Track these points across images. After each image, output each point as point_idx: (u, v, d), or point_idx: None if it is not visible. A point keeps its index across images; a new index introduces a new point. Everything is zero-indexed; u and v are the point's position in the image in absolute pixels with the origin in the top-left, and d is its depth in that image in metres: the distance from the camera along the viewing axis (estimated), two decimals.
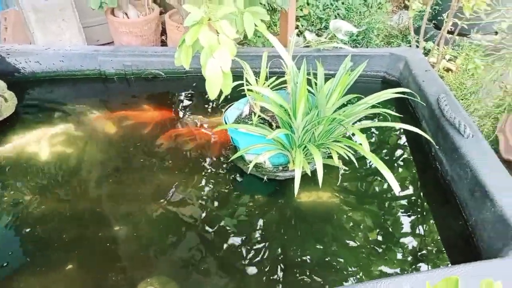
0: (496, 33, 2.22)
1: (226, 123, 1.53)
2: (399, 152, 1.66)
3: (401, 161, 1.61)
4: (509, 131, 1.60)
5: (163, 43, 2.72)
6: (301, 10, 3.05)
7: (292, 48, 1.62)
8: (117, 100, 2.00)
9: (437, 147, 1.40)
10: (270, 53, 1.92)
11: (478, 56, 1.78)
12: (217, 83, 1.25)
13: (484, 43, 1.85)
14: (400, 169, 1.57)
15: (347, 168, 1.36)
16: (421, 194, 1.44)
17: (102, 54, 2.01)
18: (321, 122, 1.36)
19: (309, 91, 1.48)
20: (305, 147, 1.39)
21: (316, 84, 1.48)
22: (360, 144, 1.20)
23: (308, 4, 3.04)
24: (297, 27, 2.90)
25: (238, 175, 1.53)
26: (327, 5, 3.10)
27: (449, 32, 2.28)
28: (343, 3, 3.19)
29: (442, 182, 1.37)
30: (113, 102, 1.99)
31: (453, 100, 1.46)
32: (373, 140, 1.72)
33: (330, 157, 1.33)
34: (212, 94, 1.23)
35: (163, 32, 2.69)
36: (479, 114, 1.78)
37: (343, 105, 1.46)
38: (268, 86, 1.59)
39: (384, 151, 1.67)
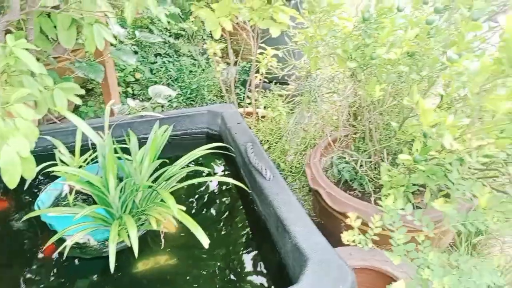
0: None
1: (39, 208, 1.43)
2: (228, 200, 1.78)
3: (232, 209, 1.73)
4: (313, 164, 1.87)
5: None
6: (133, 75, 3.12)
7: (108, 118, 1.63)
8: None
9: (250, 191, 1.56)
10: (94, 125, 1.91)
11: (280, 104, 2.06)
12: (15, 171, 1.18)
13: (284, 92, 2.16)
14: (232, 217, 1.68)
15: (167, 230, 1.39)
16: (249, 236, 1.56)
17: None
18: (138, 189, 1.39)
19: (127, 159, 1.50)
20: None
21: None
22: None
23: (138, 69, 3.13)
24: (125, 92, 2.93)
25: (62, 261, 1.42)
26: (157, 68, 3.24)
27: (270, 82, 2.61)
28: (174, 65, 3.38)
29: (261, 222, 1.51)
30: None
31: (258, 147, 1.66)
32: (205, 195, 1.82)
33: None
34: (11, 183, 1.16)
35: None
36: (291, 153, 2.04)
37: (162, 167, 1.52)
38: (85, 161, 1.56)
39: (216, 203, 1.77)
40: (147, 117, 2.08)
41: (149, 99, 2.94)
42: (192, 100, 3.19)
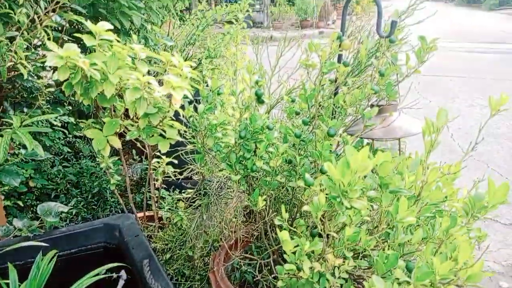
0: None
1: None
2: None
3: None
4: (216, 270, 1.86)
5: None
6: (25, 184, 2.91)
7: None
8: None
9: None
10: None
11: (181, 209, 2.07)
12: None
13: (184, 196, 2.19)
14: None
15: None
16: None
17: None
18: None
19: None
20: None
21: None
22: None
23: (32, 177, 2.93)
24: (16, 204, 2.71)
25: None
26: (55, 174, 3.07)
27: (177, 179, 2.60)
28: (73, 168, 3.24)
29: None
30: None
31: (155, 263, 1.62)
32: None
33: None
34: None
35: None
36: (196, 257, 2.01)
37: None
38: None
39: None
40: (38, 238, 1.93)
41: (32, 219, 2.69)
42: (94, 205, 3.05)
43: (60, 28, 1.87)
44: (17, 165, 2.68)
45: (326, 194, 0.80)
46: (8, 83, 2.29)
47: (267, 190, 1.53)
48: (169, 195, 2.20)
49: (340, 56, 1.44)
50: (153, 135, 1.68)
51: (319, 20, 15.37)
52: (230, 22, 3.86)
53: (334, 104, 1.47)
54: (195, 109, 1.61)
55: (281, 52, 2.18)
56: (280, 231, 0.92)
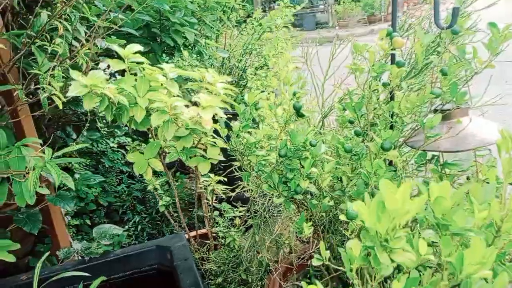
0: None
1: None
2: None
3: None
4: None
5: None
6: (95, 202, 3.04)
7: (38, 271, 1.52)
8: None
9: None
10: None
11: (233, 230, 1.98)
12: None
13: (237, 214, 2.08)
14: None
15: None
16: None
17: None
18: None
19: None
20: None
21: None
22: None
23: (100, 195, 3.06)
24: (84, 223, 2.83)
25: None
26: (121, 191, 3.18)
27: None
28: (140, 184, 3.33)
29: None
30: None
31: None
32: None
33: None
34: None
35: None
36: (249, 281, 1.90)
37: None
38: None
39: None
40: (92, 261, 1.95)
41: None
42: (158, 221, 3.09)
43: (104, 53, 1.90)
44: (87, 185, 2.81)
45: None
46: (69, 110, 2.40)
47: (318, 211, 1.36)
48: (224, 211, 2.11)
49: (393, 56, 1.22)
50: (195, 155, 1.60)
51: (389, 13, 14.55)
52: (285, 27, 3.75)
53: (389, 112, 1.26)
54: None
55: (332, 54, 1.98)
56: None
